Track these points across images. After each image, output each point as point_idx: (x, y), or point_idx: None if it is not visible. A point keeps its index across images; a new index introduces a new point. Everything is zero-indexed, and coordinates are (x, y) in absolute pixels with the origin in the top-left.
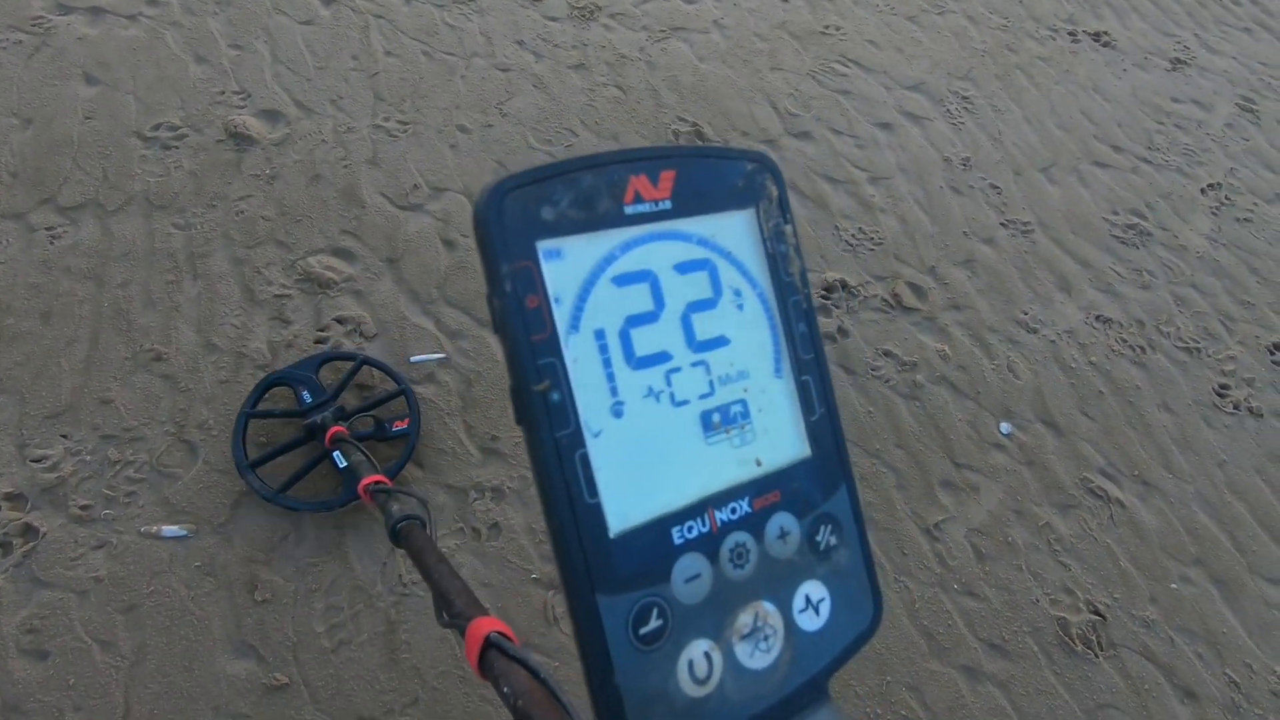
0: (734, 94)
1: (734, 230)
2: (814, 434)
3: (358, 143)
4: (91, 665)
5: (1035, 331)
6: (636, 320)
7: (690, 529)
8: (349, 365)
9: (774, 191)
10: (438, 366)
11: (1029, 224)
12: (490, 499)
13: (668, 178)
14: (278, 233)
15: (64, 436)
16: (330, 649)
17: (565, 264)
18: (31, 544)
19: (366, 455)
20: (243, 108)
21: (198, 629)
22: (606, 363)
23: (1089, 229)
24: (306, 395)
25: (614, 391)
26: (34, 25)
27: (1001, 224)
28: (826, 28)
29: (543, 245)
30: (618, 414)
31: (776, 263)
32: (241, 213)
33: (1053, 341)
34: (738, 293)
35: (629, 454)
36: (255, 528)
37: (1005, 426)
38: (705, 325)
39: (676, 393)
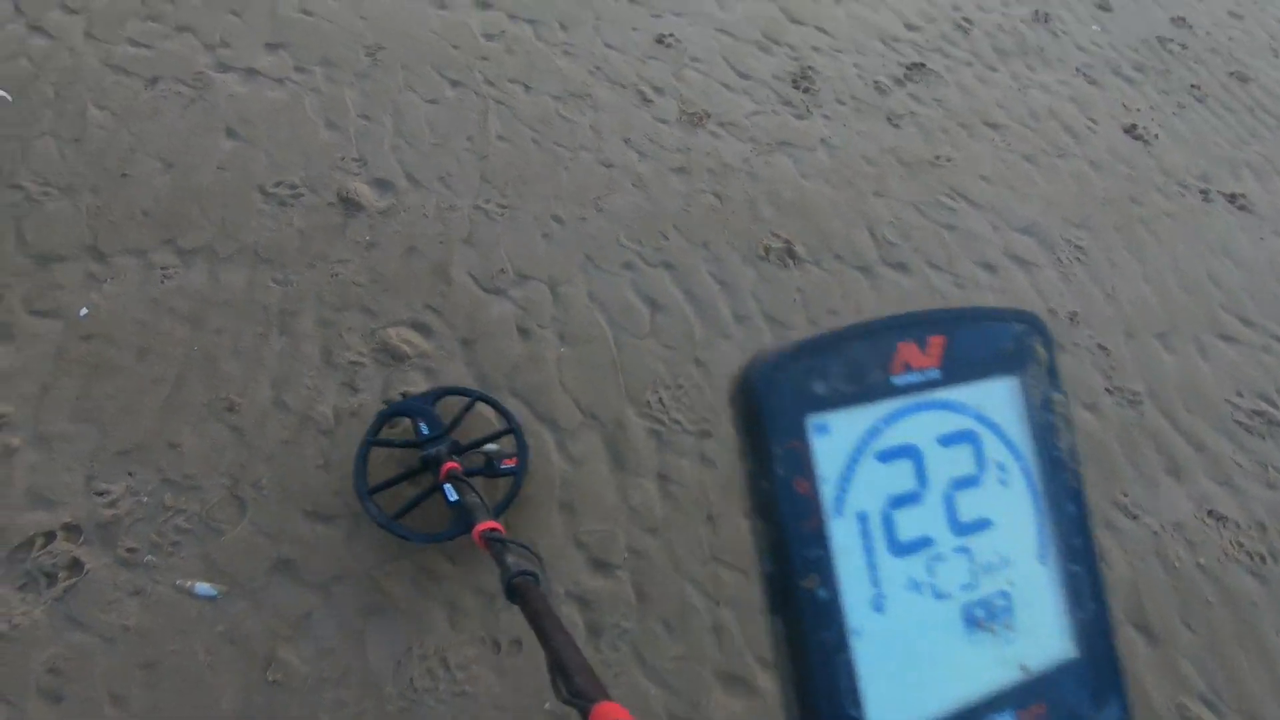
0: (833, 214)
1: (1000, 398)
2: (1083, 632)
3: (457, 220)
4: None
5: (1136, 518)
6: (899, 501)
7: None
8: (464, 400)
9: (1044, 356)
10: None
11: (1138, 394)
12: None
13: (936, 344)
14: (365, 299)
15: (130, 474)
16: None
17: (831, 441)
18: (75, 580)
19: (480, 497)
20: (358, 174)
21: (209, 700)
22: (869, 550)
23: (1208, 408)
24: (424, 427)
25: (875, 582)
26: (195, 79)
27: (1107, 390)
28: (937, 158)
29: (812, 421)
30: (878, 608)
31: (1044, 435)
32: (336, 275)
33: (1156, 533)
34: (1002, 467)
35: (890, 655)
36: (285, 598)
37: None
38: (968, 505)
39: (939, 583)
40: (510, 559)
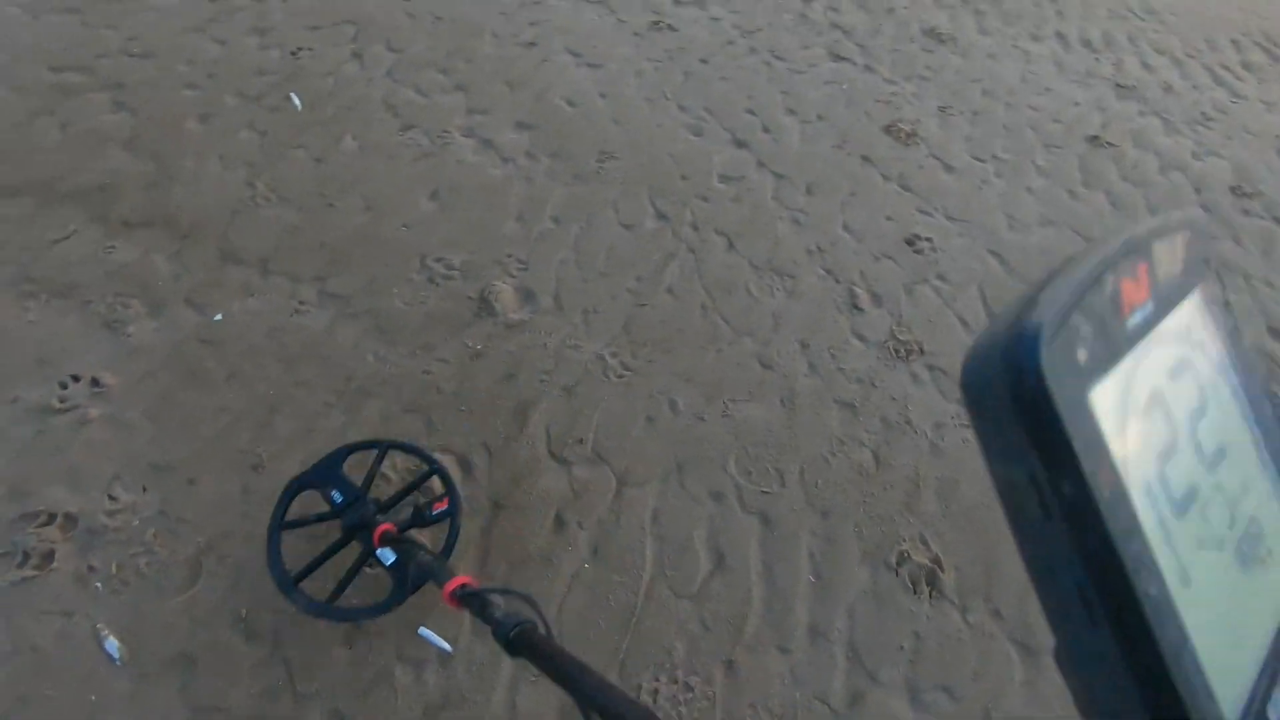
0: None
1: (1194, 315)
2: None
3: (570, 365)
4: None
5: None
6: (1165, 456)
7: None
8: (373, 454)
9: (1212, 260)
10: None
11: None
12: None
13: (1144, 272)
14: (436, 410)
15: (144, 490)
16: None
17: (1106, 413)
18: (37, 574)
19: (431, 552)
20: (514, 277)
21: None
22: (1162, 522)
23: None
24: (336, 495)
25: (1177, 555)
26: (439, 136)
27: None
28: None
29: (1094, 394)
30: (1186, 583)
31: (1232, 341)
32: (428, 373)
33: None
34: (1216, 389)
35: (1211, 628)
36: (161, 699)
37: None
38: (1207, 439)
39: (1214, 531)
40: (498, 613)
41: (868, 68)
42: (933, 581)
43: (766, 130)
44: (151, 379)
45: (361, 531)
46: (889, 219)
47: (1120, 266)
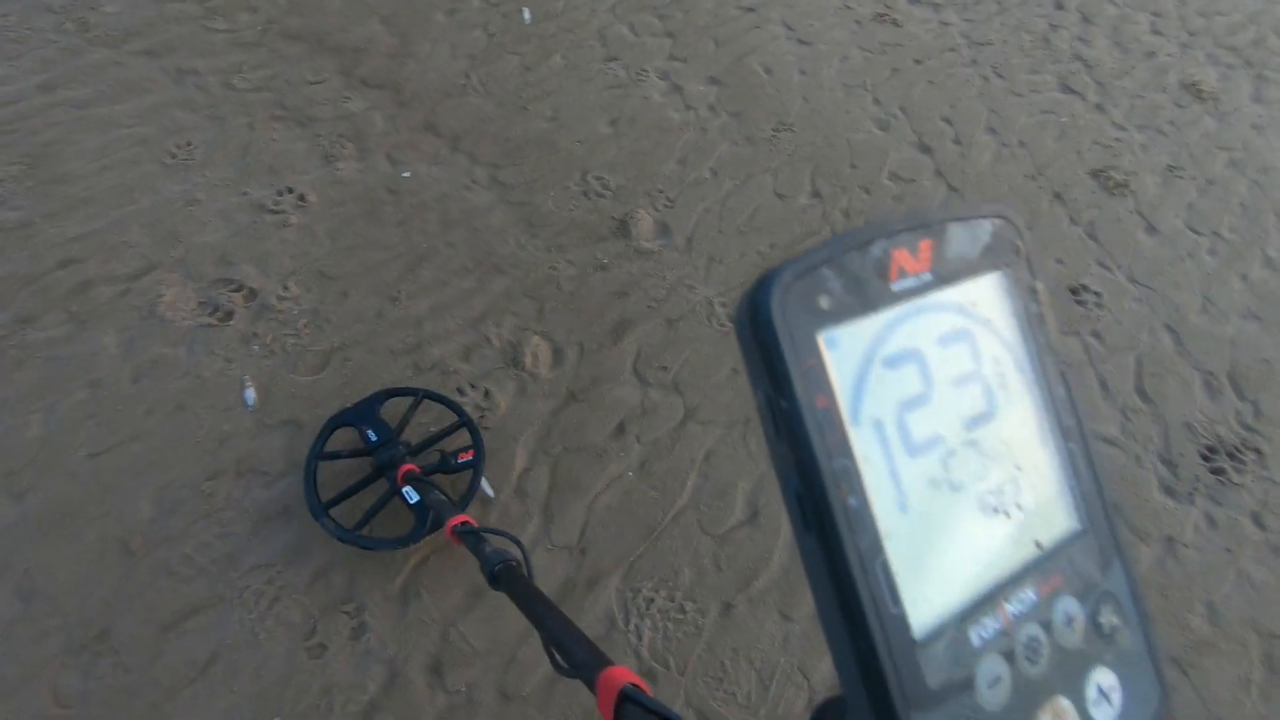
0: None
1: (989, 295)
2: (1083, 505)
3: (679, 300)
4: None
5: None
6: (910, 404)
7: (986, 628)
8: (409, 400)
9: (1022, 248)
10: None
11: None
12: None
13: (926, 248)
14: (551, 301)
15: (309, 289)
16: None
17: (843, 353)
18: (218, 325)
19: (443, 491)
20: (657, 211)
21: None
22: (888, 455)
23: None
24: (371, 434)
25: (897, 485)
26: (638, 74)
27: None
28: None
29: (824, 336)
30: (903, 509)
31: (1031, 324)
32: (555, 269)
33: None
34: (997, 361)
35: (920, 551)
36: (273, 446)
37: None
38: (971, 401)
39: (953, 477)
40: (488, 549)
41: (1098, 107)
42: None
43: (957, 142)
44: (342, 207)
45: (389, 470)
46: (1059, 261)
47: (899, 238)
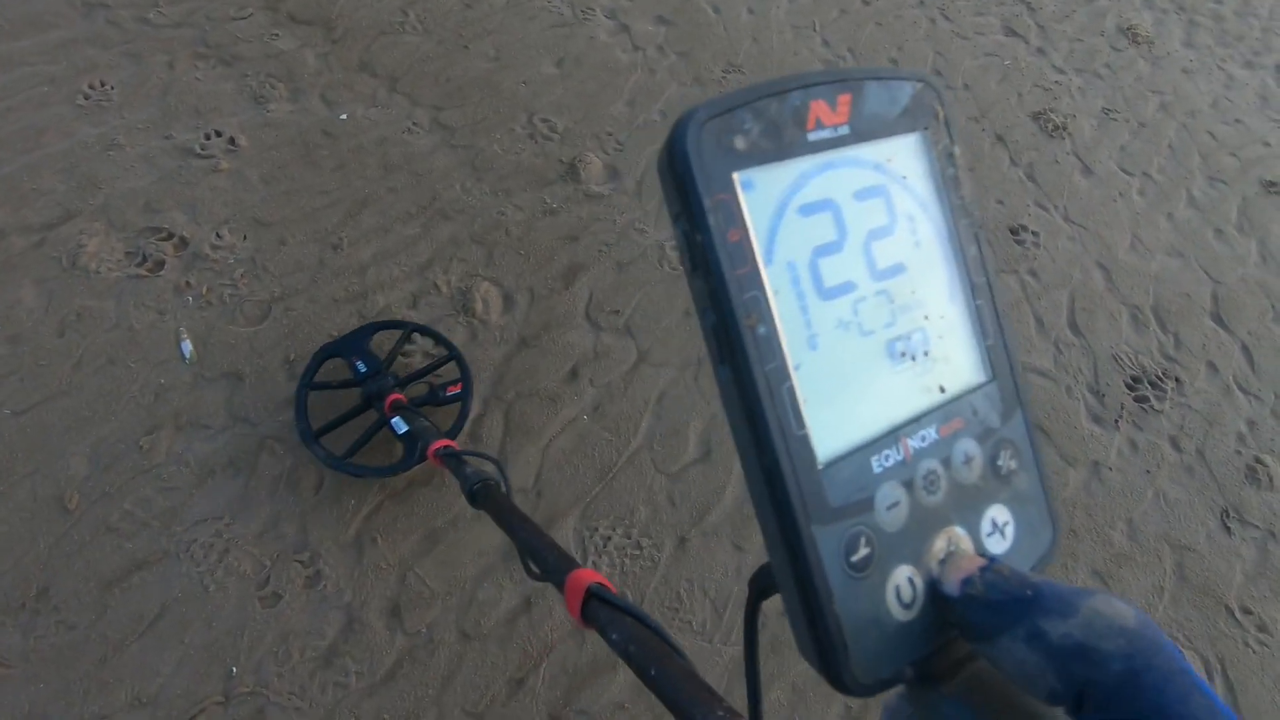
0: None
1: (907, 154)
2: (990, 358)
3: (630, 244)
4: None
5: None
6: (823, 250)
7: (887, 458)
8: (398, 334)
9: (941, 112)
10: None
11: None
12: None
13: (845, 101)
14: (500, 247)
15: (244, 237)
16: None
17: (758, 195)
18: (149, 275)
19: (428, 420)
20: (606, 154)
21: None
22: (800, 295)
23: None
24: (360, 365)
25: (808, 323)
26: (584, 11)
27: None
28: None
29: (740, 176)
30: (813, 346)
31: (947, 186)
32: (503, 214)
33: None
34: (911, 218)
35: (827, 385)
36: (208, 397)
37: None
38: (884, 253)
39: (864, 322)
40: (469, 470)
41: (1040, 50)
42: None
43: None
44: (275, 151)
45: (378, 401)
46: (999, 202)
47: (818, 90)
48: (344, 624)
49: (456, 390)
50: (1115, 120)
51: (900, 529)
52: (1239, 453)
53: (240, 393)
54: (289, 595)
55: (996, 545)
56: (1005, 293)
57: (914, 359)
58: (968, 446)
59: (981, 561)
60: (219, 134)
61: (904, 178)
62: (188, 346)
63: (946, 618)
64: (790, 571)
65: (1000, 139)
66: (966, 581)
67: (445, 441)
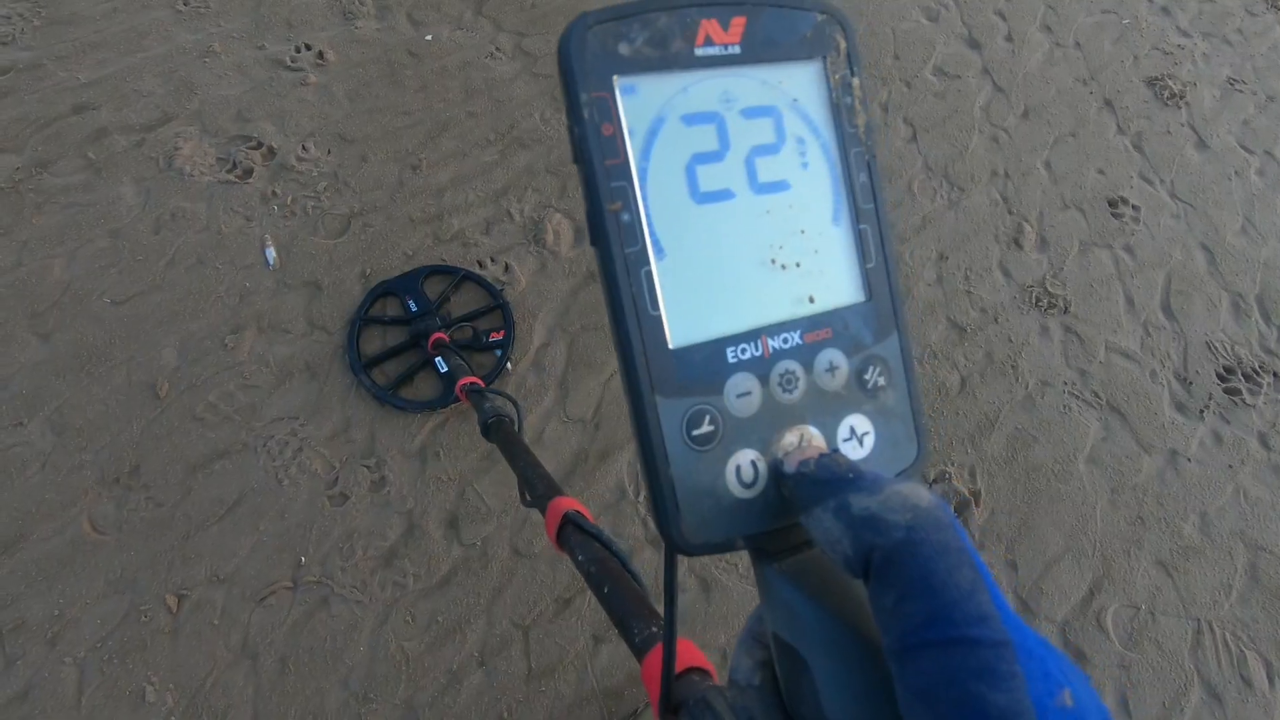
0: None
1: (801, 80)
2: (870, 281)
3: None
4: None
5: None
6: (702, 158)
7: (744, 351)
8: (451, 278)
9: (842, 44)
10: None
11: None
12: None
13: (738, 23)
14: (575, 179)
15: (329, 151)
16: None
17: (639, 99)
18: (238, 182)
19: (464, 359)
20: None
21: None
22: (672, 193)
23: None
24: (412, 304)
25: (678, 220)
26: None
27: None
28: None
29: (620, 80)
30: (680, 241)
31: (841, 114)
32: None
33: None
34: (801, 141)
35: (690, 278)
36: (290, 305)
37: None
38: (768, 169)
39: (736, 228)
40: (487, 405)
41: (1164, 9)
42: (961, 510)
43: (1009, 39)
44: (361, 68)
45: (422, 339)
46: (1100, 172)
47: (711, 10)
48: (405, 529)
49: (498, 337)
50: (1241, 92)
51: (750, 417)
52: None
53: (318, 302)
54: (355, 496)
55: (852, 451)
56: (1095, 267)
57: (784, 268)
58: (834, 356)
59: (824, 449)
60: (308, 47)
61: (795, 100)
62: (271, 253)
63: (782, 492)
64: (635, 434)
65: (1109, 104)
66: (804, 463)
67: (472, 379)
